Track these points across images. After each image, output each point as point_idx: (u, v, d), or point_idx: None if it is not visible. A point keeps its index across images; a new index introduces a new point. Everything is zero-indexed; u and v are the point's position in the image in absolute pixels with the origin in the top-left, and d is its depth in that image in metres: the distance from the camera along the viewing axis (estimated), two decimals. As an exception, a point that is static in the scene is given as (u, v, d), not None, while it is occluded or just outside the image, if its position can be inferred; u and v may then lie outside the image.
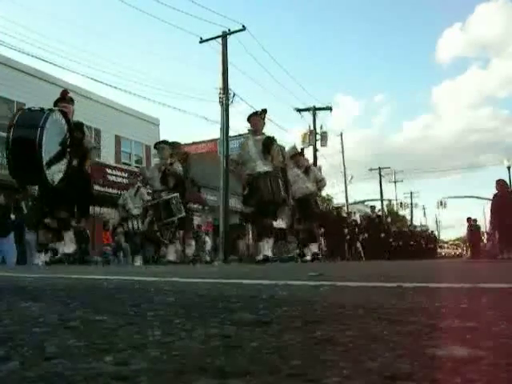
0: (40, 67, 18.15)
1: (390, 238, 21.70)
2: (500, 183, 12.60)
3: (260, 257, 7.96)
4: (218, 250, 18.97)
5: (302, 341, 0.80)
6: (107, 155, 20.25)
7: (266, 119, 8.64)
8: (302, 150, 11.25)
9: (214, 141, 24.85)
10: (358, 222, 21.38)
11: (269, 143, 8.24)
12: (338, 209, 18.76)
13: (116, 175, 19.38)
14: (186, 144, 25.10)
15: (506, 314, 1.09)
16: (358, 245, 19.94)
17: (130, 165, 20.83)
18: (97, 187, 16.82)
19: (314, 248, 10.30)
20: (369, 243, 19.24)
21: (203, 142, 27.55)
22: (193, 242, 10.36)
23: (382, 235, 19.87)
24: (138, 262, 10.23)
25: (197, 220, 23.10)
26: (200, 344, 0.78)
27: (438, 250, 42.50)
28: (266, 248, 8.01)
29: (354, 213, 28.39)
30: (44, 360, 0.67)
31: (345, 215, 20.40)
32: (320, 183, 10.76)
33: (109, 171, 18.96)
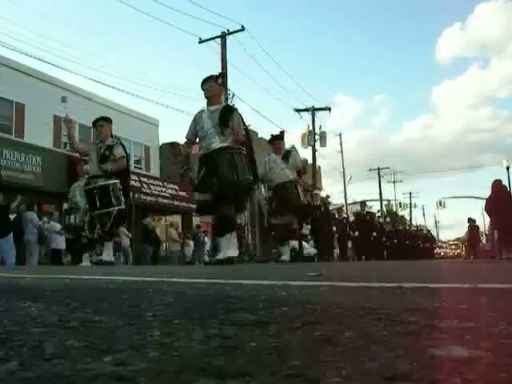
0: (39, 68, 18.20)
1: (384, 237, 20.97)
2: (495, 184, 12.62)
3: (220, 256, 6.47)
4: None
5: (301, 341, 0.80)
6: None
7: (222, 84, 7.20)
8: (282, 132, 9.55)
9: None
10: (351, 219, 20.05)
11: (227, 113, 6.67)
12: (326, 203, 16.76)
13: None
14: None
15: (505, 315, 1.09)
16: (350, 244, 19.46)
17: (129, 165, 20.83)
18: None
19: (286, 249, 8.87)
20: (359, 242, 18.42)
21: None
22: (110, 244, 8.38)
23: (374, 234, 18.74)
24: (86, 261, 8.47)
25: (196, 220, 23.13)
26: (199, 344, 0.78)
27: (437, 250, 42.50)
28: (229, 245, 6.49)
29: (352, 212, 27.80)
30: (43, 360, 0.67)
31: (334, 211, 18.89)
32: (302, 170, 9.23)
33: (108, 171, 18.91)
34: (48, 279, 2.93)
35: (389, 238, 21.65)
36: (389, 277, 2.95)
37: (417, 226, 38.73)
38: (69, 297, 1.63)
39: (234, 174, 6.29)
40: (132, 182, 18.27)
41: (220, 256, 6.48)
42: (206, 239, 20.57)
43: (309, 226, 13.34)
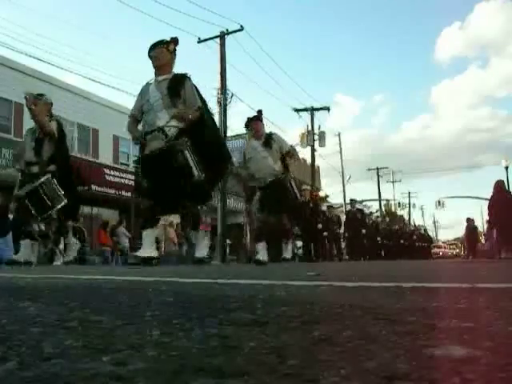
0: (38, 67, 18.16)
1: (378, 236, 20.44)
2: (498, 184, 12.64)
3: (145, 254, 5.37)
4: (216, 250, 18.96)
5: (299, 341, 0.80)
6: (105, 155, 20.21)
7: (175, 52, 5.70)
8: (259, 112, 7.84)
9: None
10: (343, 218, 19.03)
11: (178, 83, 5.47)
12: (316, 200, 15.50)
13: (114, 175, 19.32)
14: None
15: (503, 314, 1.09)
16: (343, 243, 18.66)
17: (128, 165, 20.76)
18: (94, 187, 16.83)
19: (290, 249, 7.94)
20: (351, 241, 17.76)
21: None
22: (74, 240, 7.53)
23: (363, 231, 17.67)
24: (59, 261, 7.45)
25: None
26: (198, 344, 0.78)
27: (436, 250, 42.47)
28: (148, 241, 5.44)
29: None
30: (42, 360, 0.67)
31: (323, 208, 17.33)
32: (287, 155, 7.59)
33: (106, 171, 18.90)
34: (47, 279, 2.92)
35: (383, 237, 21.26)
36: (388, 277, 2.95)
37: (415, 226, 38.67)
38: (68, 297, 1.63)
39: (182, 158, 5.14)
40: (131, 182, 18.28)
41: (143, 254, 5.36)
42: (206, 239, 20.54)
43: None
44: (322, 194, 29.04)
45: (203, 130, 5.57)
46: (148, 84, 5.69)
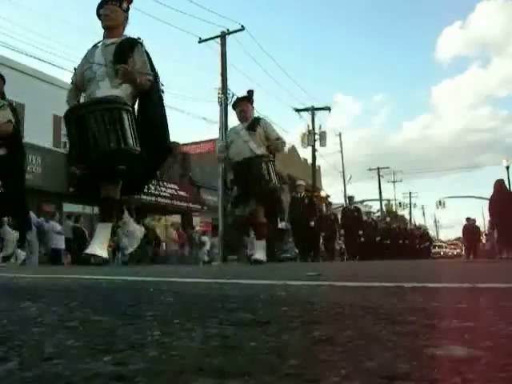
0: (38, 67, 18.13)
1: (377, 235, 20.09)
2: (498, 183, 12.61)
3: (92, 250, 4.61)
4: (217, 250, 18.98)
5: (300, 341, 0.80)
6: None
7: (128, 11, 4.79)
8: (250, 92, 6.95)
9: (213, 141, 24.85)
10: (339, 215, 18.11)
11: (127, 48, 4.69)
12: (312, 196, 14.48)
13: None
14: (185, 144, 25.14)
15: (504, 314, 1.09)
16: (341, 242, 18.34)
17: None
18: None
19: (261, 246, 6.77)
20: (347, 240, 17.40)
21: (202, 142, 27.55)
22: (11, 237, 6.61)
23: (360, 232, 17.02)
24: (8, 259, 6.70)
25: (196, 220, 23.15)
26: (199, 344, 0.78)
27: (437, 250, 42.45)
28: (99, 238, 4.70)
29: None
30: (43, 360, 0.67)
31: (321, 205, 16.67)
32: (274, 144, 6.66)
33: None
34: (48, 279, 2.93)
35: (382, 236, 21.02)
36: (388, 276, 2.95)
37: (415, 225, 38.62)
38: (68, 296, 1.63)
39: (122, 137, 4.36)
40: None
41: (91, 251, 4.66)
42: (206, 239, 20.58)
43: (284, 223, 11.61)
44: (323, 193, 29.05)
45: (148, 105, 4.79)
46: (95, 47, 4.87)
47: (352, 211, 17.55)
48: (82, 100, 4.94)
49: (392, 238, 22.15)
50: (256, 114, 7.24)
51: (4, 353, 0.71)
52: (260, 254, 6.70)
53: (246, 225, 7.21)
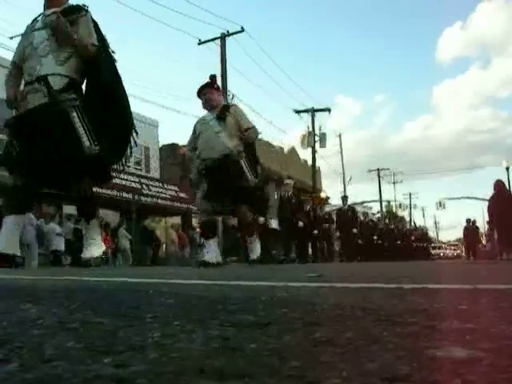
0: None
1: (374, 235, 19.91)
2: (498, 184, 12.61)
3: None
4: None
5: (301, 342, 0.80)
6: None
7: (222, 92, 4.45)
8: (213, 77, 6.32)
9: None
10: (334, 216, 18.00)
11: (71, 14, 4.24)
12: (299, 196, 13.97)
13: (114, 177, 19.28)
14: (184, 145, 25.13)
15: (505, 315, 1.09)
16: (336, 244, 17.98)
17: (129, 166, 20.74)
18: (96, 189, 16.80)
19: (257, 247, 6.56)
20: (343, 241, 17.02)
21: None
22: None
23: (354, 231, 16.73)
24: None
25: (195, 222, 23.13)
26: (199, 346, 0.78)
27: (437, 251, 42.45)
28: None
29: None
30: (43, 362, 0.67)
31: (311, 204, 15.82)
32: (246, 134, 6.03)
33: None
34: (48, 280, 2.92)
35: (379, 236, 20.79)
36: (389, 278, 2.95)
37: (415, 226, 38.57)
38: (69, 298, 1.63)
39: (55, 120, 3.97)
40: (132, 184, 18.30)
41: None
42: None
43: (268, 219, 11.14)
44: (323, 195, 29.03)
45: (98, 74, 4.31)
46: (35, 20, 4.38)
47: (346, 211, 17.28)
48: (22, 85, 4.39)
49: (389, 239, 22.02)
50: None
51: (4, 355, 0.71)
52: (255, 254, 6.53)
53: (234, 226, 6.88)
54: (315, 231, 14.75)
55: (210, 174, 5.93)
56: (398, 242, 23.35)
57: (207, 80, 6.31)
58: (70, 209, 17.20)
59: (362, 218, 19.57)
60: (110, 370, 0.62)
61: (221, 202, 6.06)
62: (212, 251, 6.17)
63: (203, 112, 6.33)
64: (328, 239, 16.88)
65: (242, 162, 5.88)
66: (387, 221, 25.87)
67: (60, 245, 13.92)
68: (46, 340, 0.83)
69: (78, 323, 1.02)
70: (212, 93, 6.15)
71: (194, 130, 6.26)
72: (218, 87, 6.42)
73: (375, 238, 19.91)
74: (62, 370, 0.63)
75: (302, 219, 13.14)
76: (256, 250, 6.57)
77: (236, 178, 5.85)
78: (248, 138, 6.10)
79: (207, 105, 6.16)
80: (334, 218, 17.97)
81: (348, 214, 17.14)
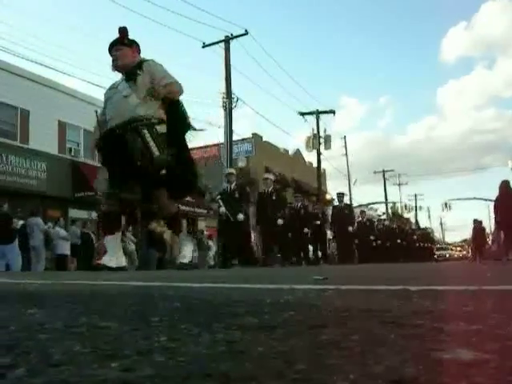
0: (43, 74, 18.17)
1: (372, 235, 19.56)
2: (503, 184, 12.54)
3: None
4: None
5: (307, 345, 0.80)
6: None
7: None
8: (122, 30, 4.93)
9: (218, 145, 24.82)
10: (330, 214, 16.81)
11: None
12: (279, 191, 12.98)
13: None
14: (190, 148, 25.09)
15: (511, 317, 1.08)
16: (333, 244, 17.41)
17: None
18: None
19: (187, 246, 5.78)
20: (338, 241, 16.13)
21: (207, 146, 27.54)
22: None
23: (350, 229, 15.57)
24: None
25: (201, 224, 23.15)
26: (205, 349, 0.78)
27: (443, 252, 42.21)
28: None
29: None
30: (50, 367, 0.67)
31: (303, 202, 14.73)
32: (165, 91, 4.69)
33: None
34: (54, 285, 2.93)
35: (378, 236, 20.35)
36: (394, 279, 2.94)
37: (419, 227, 38.37)
38: (75, 302, 1.64)
39: None
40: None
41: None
42: (212, 243, 20.58)
43: (241, 216, 10.19)
44: (328, 197, 28.98)
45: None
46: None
47: (342, 209, 16.29)
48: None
49: (391, 239, 21.62)
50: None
51: (12, 360, 0.72)
52: (183, 256, 5.61)
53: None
54: (306, 229, 13.89)
55: (109, 153, 4.82)
56: (399, 241, 22.80)
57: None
58: (75, 213, 17.27)
59: (360, 218, 19.04)
60: (117, 374, 0.62)
61: (128, 186, 4.74)
62: (111, 251, 5.07)
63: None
64: (320, 238, 15.40)
65: (144, 132, 4.46)
66: (387, 222, 25.51)
67: (66, 249, 13.94)
68: (53, 344, 0.83)
69: (85, 327, 1.02)
70: (121, 50, 4.87)
71: (104, 101, 5.14)
72: (131, 42, 5.01)
73: (372, 238, 19.27)
74: (69, 374, 0.63)
75: (282, 217, 11.94)
76: (187, 250, 5.79)
77: (134, 153, 4.47)
78: (168, 95, 4.75)
79: (116, 65, 4.91)
80: (329, 217, 17.17)
81: (344, 211, 16.11)
